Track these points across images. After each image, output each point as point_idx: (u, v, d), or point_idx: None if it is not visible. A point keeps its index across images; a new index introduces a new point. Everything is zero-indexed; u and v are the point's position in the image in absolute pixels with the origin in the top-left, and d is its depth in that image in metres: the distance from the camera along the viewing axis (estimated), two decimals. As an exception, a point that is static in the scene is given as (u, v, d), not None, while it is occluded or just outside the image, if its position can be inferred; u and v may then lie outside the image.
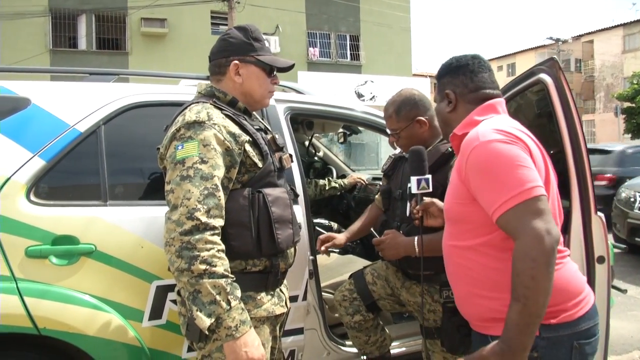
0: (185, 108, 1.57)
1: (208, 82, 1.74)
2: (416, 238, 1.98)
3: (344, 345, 2.53)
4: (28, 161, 1.86)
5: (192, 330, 1.44)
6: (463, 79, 1.53)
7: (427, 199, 1.89)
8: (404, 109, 2.16)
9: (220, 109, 1.56)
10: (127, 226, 1.94)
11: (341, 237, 2.47)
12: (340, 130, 3.71)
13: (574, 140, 1.79)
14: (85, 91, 2.09)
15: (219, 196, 1.43)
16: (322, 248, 2.39)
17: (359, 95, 20.25)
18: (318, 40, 21.16)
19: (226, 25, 17.36)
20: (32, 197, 1.86)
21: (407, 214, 2.08)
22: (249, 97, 1.69)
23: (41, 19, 17.28)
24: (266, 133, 1.70)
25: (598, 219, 1.88)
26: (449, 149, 2.08)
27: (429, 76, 29.26)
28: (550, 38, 31.45)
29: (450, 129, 1.56)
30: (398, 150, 2.43)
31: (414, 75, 25.30)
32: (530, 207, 1.22)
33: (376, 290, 2.37)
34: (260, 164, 1.57)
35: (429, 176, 1.91)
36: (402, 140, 2.19)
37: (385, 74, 20.49)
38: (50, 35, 17.80)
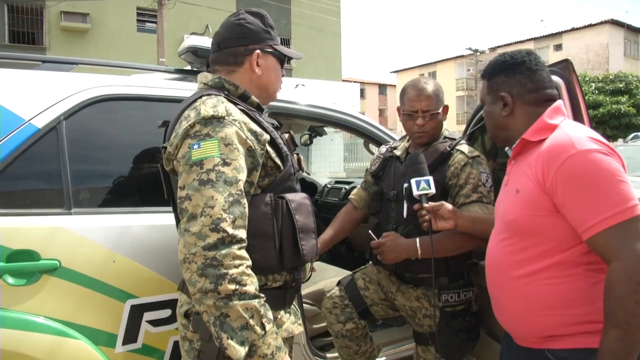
0: (194, 101, 1.34)
1: (197, 72, 1.53)
2: (418, 239, 1.89)
3: (326, 358, 2.39)
4: (-27, 162, 1.56)
5: (205, 358, 1.25)
6: (521, 78, 1.41)
7: (432, 203, 1.80)
8: (440, 92, 2.08)
9: (234, 104, 1.36)
10: (96, 237, 1.69)
11: None
12: (306, 132, 3.56)
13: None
14: (42, 81, 1.80)
15: (244, 204, 1.24)
16: None
17: (290, 99, 20.12)
18: (249, 42, 20.79)
19: (153, 22, 16.62)
20: (-20, 205, 1.56)
21: (405, 215, 1.98)
22: (264, 91, 1.50)
23: (-58, 6, 15.69)
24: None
25: None
26: (447, 148, 2.02)
27: (356, 82, 29.78)
28: (469, 49, 33.06)
29: (505, 133, 1.45)
30: (384, 149, 2.31)
31: (343, 80, 25.59)
32: (632, 227, 1.15)
33: (369, 295, 2.25)
34: (282, 167, 1.39)
35: (430, 177, 1.83)
36: (430, 124, 2.04)
37: (316, 78, 20.52)
38: (-46, 26, 16.21)
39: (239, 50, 1.45)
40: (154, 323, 1.77)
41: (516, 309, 1.37)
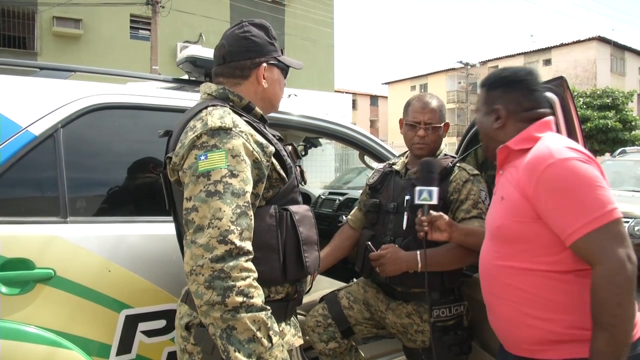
0: (200, 111, 1.34)
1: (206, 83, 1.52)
2: (419, 252, 1.90)
3: (318, 370, 2.37)
4: (-31, 169, 1.54)
5: None
6: (518, 97, 1.45)
7: (433, 212, 1.82)
8: (443, 109, 2.13)
9: (239, 115, 1.36)
10: (92, 247, 1.67)
11: None
12: (301, 142, 3.56)
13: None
14: (39, 88, 1.78)
15: (251, 216, 1.24)
16: None
17: (282, 109, 20.13)
18: (242, 51, 20.80)
19: (147, 30, 16.57)
20: (-26, 213, 1.54)
21: (404, 227, 1.99)
22: (268, 103, 1.51)
23: None
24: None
25: None
26: (450, 164, 2.05)
27: (348, 93, 29.91)
28: (460, 62, 33.37)
29: (494, 145, 1.48)
30: (380, 165, 2.34)
31: (336, 91, 25.67)
32: (612, 230, 1.18)
33: (353, 315, 2.25)
34: (286, 179, 1.39)
35: (435, 189, 1.85)
36: (431, 137, 2.09)
37: (308, 89, 20.51)
38: (-58, 29, 16.05)
39: (246, 63, 1.45)
40: (149, 333, 1.75)
41: (508, 314, 1.39)
